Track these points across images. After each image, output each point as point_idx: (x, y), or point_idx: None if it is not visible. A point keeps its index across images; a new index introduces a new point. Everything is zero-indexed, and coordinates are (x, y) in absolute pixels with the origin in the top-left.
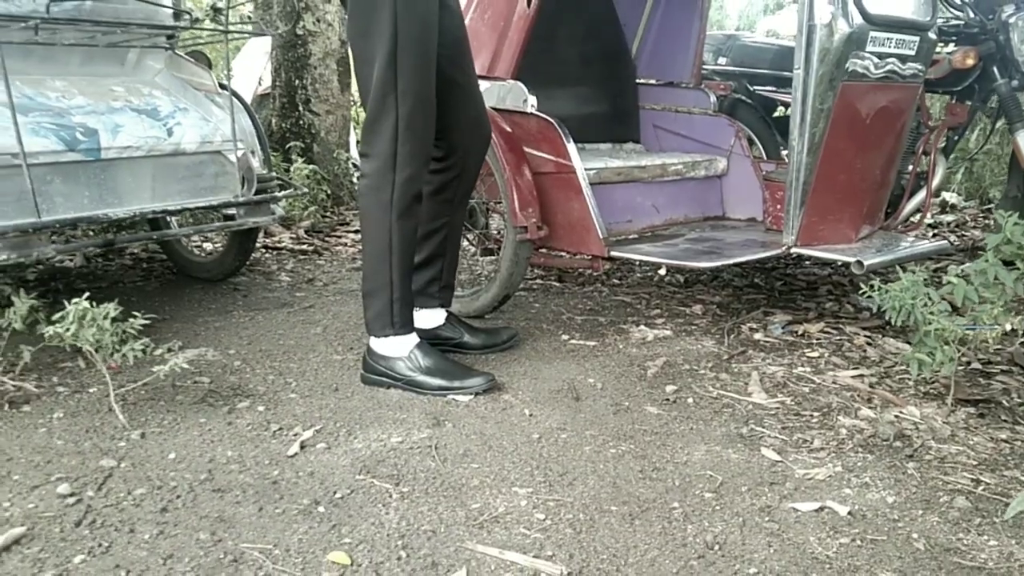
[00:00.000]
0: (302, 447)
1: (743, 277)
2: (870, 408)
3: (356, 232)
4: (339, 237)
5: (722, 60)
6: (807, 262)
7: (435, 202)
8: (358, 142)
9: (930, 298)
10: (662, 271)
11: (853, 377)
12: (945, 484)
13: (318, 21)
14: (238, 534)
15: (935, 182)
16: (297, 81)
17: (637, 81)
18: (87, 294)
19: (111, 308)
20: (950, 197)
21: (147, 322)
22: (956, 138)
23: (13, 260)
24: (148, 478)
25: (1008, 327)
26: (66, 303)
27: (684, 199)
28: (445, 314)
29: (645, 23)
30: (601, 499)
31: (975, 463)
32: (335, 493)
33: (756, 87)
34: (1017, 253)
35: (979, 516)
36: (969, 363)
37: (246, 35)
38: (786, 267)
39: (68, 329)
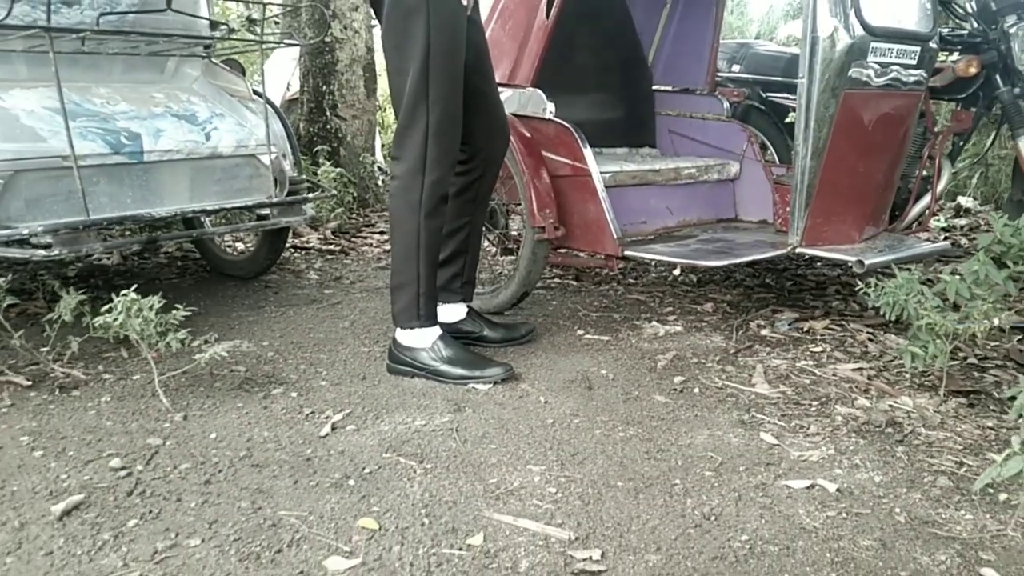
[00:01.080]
0: (333, 428)
1: (754, 277)
2: (866, 398)
3: (381, 233)
4: (364, 238)
5: (736, 67)
6: (818, 263)
7: (458, 202)
8: (383, 146)
9: (923, 295)
10: (676, 271)
11: (853, 370)
12: (930, 466)
13: (345, 28)
14: (276, 503)
15: (940, 186)
16: (324, 87)
17: (653, 88)
18: (134, 286)
19: (155, 300)
20: (965, 201)
21: (188, 314)
22: (961, 144)
23: (64, 255)
24: (192, 455)
25: (996, 322)
26: (113, 296)
27: (697, 202)
28: (466, 309)
29: (661, 32)
30: (608, 476)
31: (960, 448)
32: (364, 469)
33: (769, 94)
34: (1019, 255)
35: (959, 494)
36: (966, 358)
37: (279, 45)
38: (797, 268)
39: (117, 319)
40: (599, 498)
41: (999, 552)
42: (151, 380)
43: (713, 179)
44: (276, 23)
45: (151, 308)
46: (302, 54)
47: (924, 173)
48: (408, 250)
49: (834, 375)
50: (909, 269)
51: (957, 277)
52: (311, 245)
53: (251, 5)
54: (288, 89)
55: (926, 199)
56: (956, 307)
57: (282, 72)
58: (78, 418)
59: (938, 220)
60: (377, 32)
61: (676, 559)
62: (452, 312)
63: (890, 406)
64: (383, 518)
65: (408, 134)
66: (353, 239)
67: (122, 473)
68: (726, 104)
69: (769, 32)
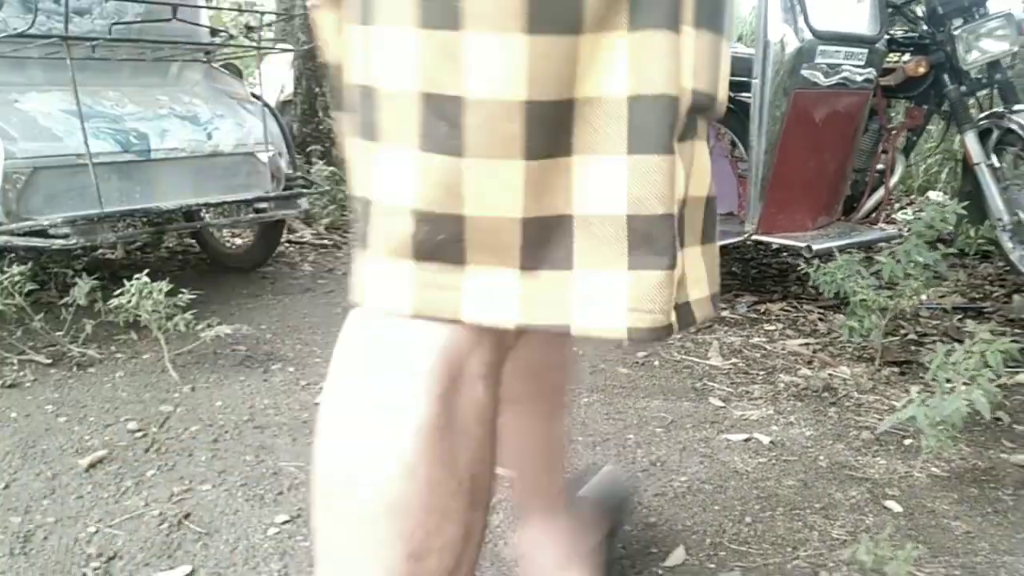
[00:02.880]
0: None
1: (722, 266)
2: (809, 368)
3: None
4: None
5: None
6: (783, 253)
7: None
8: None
9: (860, 275)
10: None
11: (800, 345)
12: (857, 423)
13: None
14: (277, 456)
15: (893, 180)
16: (317, 89)
17: None
18: (147, 270)
19: (164, 284)
20: (935, 196)
21: (194, 297)
22: (914, 139)
23: (81, 244)
24: (200, 419)
25: (923, 298)
26: (125, 282)
27: None
28: None
29: None
30: (571, 433)
31: (887, 408)
32: None
33: (737, 93)
34: (966, 241)
35: (878, 445)
36: (906, 335)
37: (276, 51)
38: (762, 258)
39: (130, 300)
40: None
41: (903, 489)
42: (160, 358)
43: None
44: (269, 27)
45: (160, 291)
46: (296, 57)
47: (879, 167)
48: None
49: (783, 349)
50: (851, 252)
51: (893, 259)
52: (305, 240)
53: (246, 13)
54: (282, 91)
55: (881, 192)
56: (893, 285)
57: (276, 74)
58: (96, 390)
59: (906, 213)
60: None
61: None
62: None
63: (829, 374)
64: None
65: None
66: (345, 234)
67: (139, 434)
68: None
69: (751, 34)
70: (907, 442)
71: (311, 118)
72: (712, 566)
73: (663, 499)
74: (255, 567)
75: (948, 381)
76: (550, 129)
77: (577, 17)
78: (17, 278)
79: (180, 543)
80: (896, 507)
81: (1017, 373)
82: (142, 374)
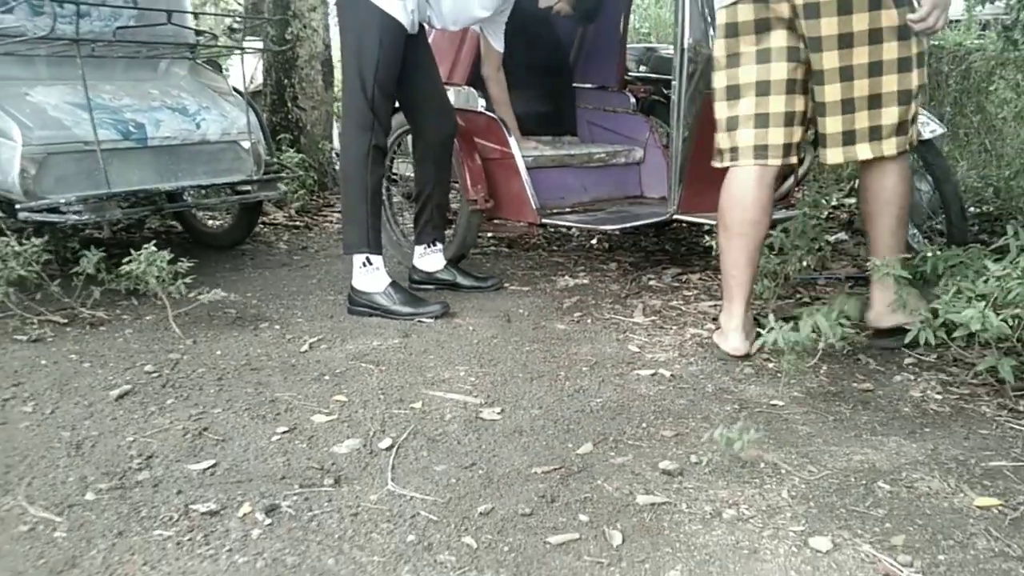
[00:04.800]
0: (310, 347)
1: (656, 244)
2: (713, 324)
3: (341, 212)
4: (325, 216)
5: (643, 68)
6: (711, 233)
7: (423, 167)
8: (340, 134)
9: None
10: (593, 241)
11: (710, 306)
12: (746, 364)
13: (304, 27)
14: (273, 389)
15: (802, 169)
16: (286, 80)
17: (574, 85)
18: (154, 241)
19: (166, 253)
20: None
21: (191, 266)
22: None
23: (92, 220)
24: (205, 364)
25: (805, 263)
26: (130, 252)
27: (608, 181)
28: (444, 262)
29: (579, 38)
30: (514, 372)
31: (770, 351)
32: (335, 370)
33: (669, 90)
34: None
35: (756, 377)
36: (801, 298)
37: (254, 51)
38: (692, 236)
39: (139, 266)
40: (504, 383)
41: (768, 406)
42: (162, 319)
43: (621, 162)
44: (237, 23)
45: (163, 259)
46: (265, 50)
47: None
48: (357, 190)
49: (695, 310)
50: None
51: (784, 232)
52: (278, 222)
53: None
54: (252, 82)
55: (791, 180)
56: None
57: (244, 67)
58: (110, 343)
59: (827, 199)
60: (334, 31)
61: (551, 412)
62: (431, 262)
63: None
64: (351, 395)
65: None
66: (315, 217)
67: (154, 375)
68: (632, 99)
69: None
70: (770, 365)
71: (280, 108)
72: (612, 453)
73: (581, 414)
74: (264, 460)
75: (815, 332)
76: None
77: None
78: (34, 249)
79: (203, 447)
80: (760, 417)
81: None
82: (148, 331)
